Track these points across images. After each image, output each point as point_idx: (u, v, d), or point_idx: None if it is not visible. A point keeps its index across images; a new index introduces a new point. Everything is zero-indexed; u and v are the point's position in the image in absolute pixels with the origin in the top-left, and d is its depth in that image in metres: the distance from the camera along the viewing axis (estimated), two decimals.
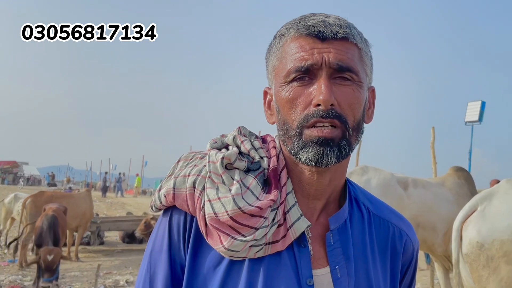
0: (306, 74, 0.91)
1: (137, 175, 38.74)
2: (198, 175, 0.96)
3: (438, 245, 5.25)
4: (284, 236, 0.94)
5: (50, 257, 6.05)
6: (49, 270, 6.09)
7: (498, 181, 10.08)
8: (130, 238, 11.65)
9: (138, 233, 10.38)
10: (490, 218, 3.42)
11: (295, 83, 0.92)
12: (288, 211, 0.95)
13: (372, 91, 1.01)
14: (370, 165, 5.51)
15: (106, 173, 33.91)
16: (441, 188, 5.36)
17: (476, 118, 16.05)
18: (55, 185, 27.15)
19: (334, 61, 0.90)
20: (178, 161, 1.03)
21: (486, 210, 3.46)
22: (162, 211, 1.03)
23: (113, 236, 12.68)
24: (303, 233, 0.96)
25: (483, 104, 16.14)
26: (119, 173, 33.60)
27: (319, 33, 0.90)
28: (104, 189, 30.77)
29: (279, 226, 0.94)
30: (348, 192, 1.05)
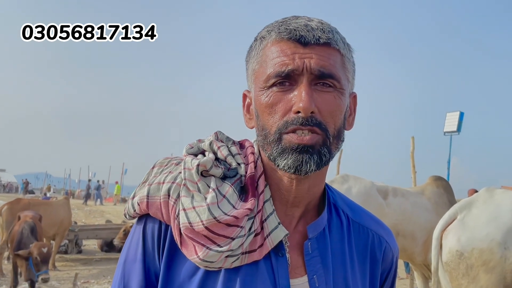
0: (286, 79, 0.88)
1: (117, 182, 38.28)
2: (173, 183, 0.93)
3: (417, 254, 5.27)
4: (261, 245, 0.91)
5: (45, 250, 6.13)
6: (46, 262, 6.17)
7: (475, 191, 10.23)
8: (108, 246, 11.46)
9: (117, 242, 10.21)
10: (470, 227, 3.44)
11: (275, 88, 0.89)
12: (265, 220, 0.92)
13: (353, 97, 0.99)
14: (351, 174, 5.52)
15: (89, 180, 33.46)
16: (420, 197, 5.39)
17: (454, 128, 16.32)
18: (32, 192, 26.68)
19: (315, 67, 0.87)
20: (153, 167, 1.00)
21: (466, 219, 3.49)
22: (136, 219, 0.99)
23: (91, 244, 12.48)
24: (280, 241, 0.92)
25: (461, 115, 16.43)
26: (98, 181, 33.17)
27: (301, 37, 0.88)
28: (87, 197, 30.35)
29: (256, 235, 0.91)
30: (327, 199, 1.02)
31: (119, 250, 11.33)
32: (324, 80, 0.88)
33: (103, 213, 22.88)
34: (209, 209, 0.87)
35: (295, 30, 0.88)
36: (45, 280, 6.16)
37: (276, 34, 0.90)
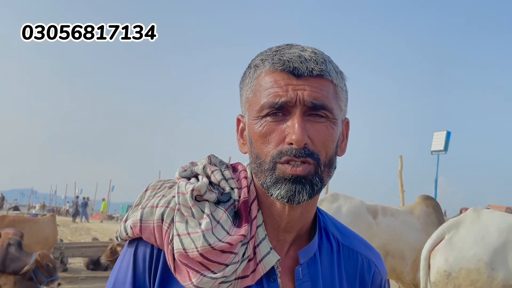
0: (279, 110, 0.89)
1: (103, 200, 37.94)
2: (167, 207, 0.93)
3: (406, 273, 5.27)
4: (254, 270, 0.91)
5: (52, 256, 6.21)
6: (55, 269, 6.39)
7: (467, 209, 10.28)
8: (95, 264, 11.29)
9: (103, 260, 10.05)
10: (457, 247, 3.46)
11: (268, 118, 0.90)
12: (258, 245, 0.92)
13: (346, 123, 1.00)
14: (340, 193, 5.53)
15: (77, 197, 33.09)
16: (409, 217, 5.42)
17: (441, 147, 16.47)
18: (18, 209, 26.29)
19: (308, 99, 0.88)
20: (146, 190, 1.00)
21: (453, 239, 3.51)
22: (127, 241, 0.99)
23: (77, 262, 12.29)
24: (272, 267, 0.93)
25: (448, 134, 16.61)
26: (84, 198, 32.82)
27: (294, 69, 0.89)
28: (75, 214, 30.00)
29: (249, 260, 0.91)
30: (318, 223, 1.03)
31: (106, 269, 11.17)
32: (316, 111, 0.89)
33: (90, 230, 22.61)
34: (203, 236, 0.87)
35: (288, 61, 0.89)
36: (60, 284, 6.30)
37: (270, 65, 0.91)
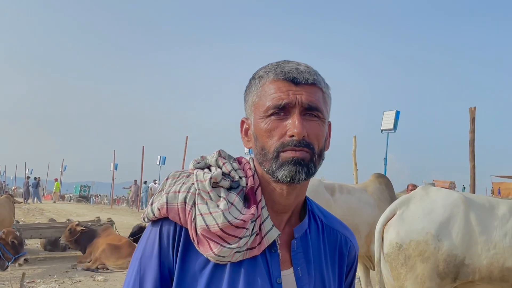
0: (282, 110, 1.12)
1: (56, 180, 37.11)
2: (188, 192, 1.13)
3: (360, 246, 5.67)
4: (260, 243, 1.14)
5: (18, 233, 6.14)
6: (21, 245, 6.46)
7: (414, 185, 10.89)
8: (52, 245, 11.24)
9: (63, 240, 10.03)
10: (408, 222, 3.82)
11: (272, 117, 1.12)
12: (262, 223, 1.15)
13: (329, 125, 1.23)
14: None
15: (28, 177, 32.19)
16: (364, 193, 5.80)
17: (391, 126, 17.07)
18: None
19: (305, 102, 1.12)
20: (167, 179, 1.21)
21: (404, 214, 3.86)
22: (150, 222, 1.19)
23: (33, 243, 12.17)
24: (274, 240, 1.16)
25: (397, 113, 17.22)
26: (35, 178, 32.04)
27: (293, 78, 1.12)
28: (27, 194, 29.27)
29: (256, 235, 1.14)
30: (307, 206, 1.27)
31: (64, 249, 11.14)
32: (311, 111, 1.13)
33: (43, 211, 22.20)
34: (223, 214, 1.09)
35: (288, 72, 1.13)
36: (27, 260, 6.27)
37: (273, 75, 1.14)
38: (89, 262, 9.24)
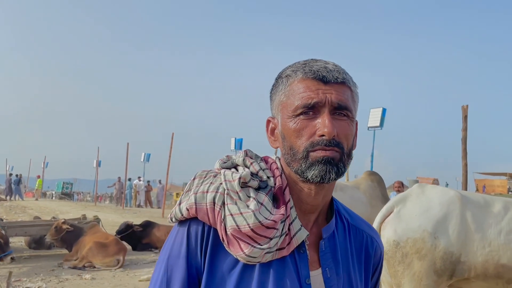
0: (311, 110, 1.09)
1: (38, 177, 36.64)
2: (217, 192, 1.11)
3: None
4: (289, 243, 1.12)
5: (3, 231, 6.03)
6: (8, 243, 6.40)
7: (401, 182, 10.96)
8: (37, 243, 11.08)
9: (49, 238, 9.88)
10: (405, 219, 3.82)
11: (301, 116, 1.10)
12: (291, 223, 1.12)
13: (356, 123, 1.21)
14: None
15: (10, 174, 31.69)
16: (356, 191, 5.82)
17: (377, 123, 17.20)
18: None
19: (335, 101, 1.09)
20: (194, 179, 1.18)
21: (401, 212, 3.87)
22: (177, 222, 1.16)
23: (17, 241, 11.98)
24: (302, 241, 1.14)
25: (384, 111, 17.36)
26: (17, 175, 31.58)
27: (323, 77, 1.10)
28: (9, 192, 28.85)
29: (285, 235, 1.11)
30: (334, 206, 1.25)
31: (49, 247, 10.99)
32: (340, 111, 1.11)
33: (25, 208, 21.88)
34: (254, 215, 1.06)
35: (317, 71, 1.10)
36: (13, 259, 6.16)
37: (302, 74, 1.12)
38: (75, 260, 9.12)
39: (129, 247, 10.56)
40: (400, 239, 3.77)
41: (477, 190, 27.65)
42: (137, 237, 11.15)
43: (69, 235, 9.69)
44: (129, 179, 28.45)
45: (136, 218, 15.51)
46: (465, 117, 8.09)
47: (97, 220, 11.20)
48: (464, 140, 8.14)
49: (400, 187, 10.64)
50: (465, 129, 8.11)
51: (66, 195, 38.95)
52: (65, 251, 10.14)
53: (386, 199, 6.05)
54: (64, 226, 9.75)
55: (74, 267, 8.86)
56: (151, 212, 21.65)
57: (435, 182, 24.65)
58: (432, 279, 3.68)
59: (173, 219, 1.16)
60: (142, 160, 33.41)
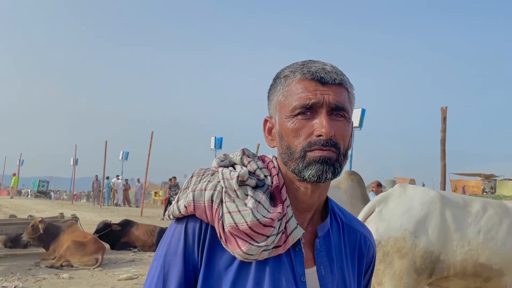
0: (309, 110, 1.11)
1: (14, 174, 35.96)
2: (215, 190, 1.12)
3: None
4: (285, 241, 1.13)
5: None
6: None
7: (379, 182, 11.10)
8: (13, 242, 10.88)
9: (25, 237, 9.71)
10: (386, 219, 3.88)
11: (299, 117, 1.11)
12: (287, 221, 1.14)
13: (352, 124, 1.23)
14: None
15: None
16: (337, 191, 5.88)
17: (357, 124, 17.36)
18: None
19: (333, 102, 1.11)
20: (192, 177, 1.18)
21: (383, 211, 3.92)
22: (174, 219, 1.17)
23: None
24: (298, 239, 1.15)
25: (363, 111, 17.52)
26: None
27: (321, 78, 1.11)
28: None
29: (282, 233, 1.12)
30: (329, 205, 1.26)
31: (25, 246, 10.81)
32: (338, 111, 1.13)
33: (0, 207, 21.48)
34: (252, 213, 1.08)
35: (316, 72, 1.12)
36: None
37: (300, 75, 1.13)
38: (53, 259, 8.98)
39: (107, 246, 10.45)
40: (381, 238, 3.82)
41: (454, 190, 28.16)
42: (116, 236, 11.04)
43: (47, 234, 9.53)
44: (107, 178, 28.15)
45: (114, 217, 15.37)
46: (444, 119, 8.24)
47: (75, 218, 11.05)
48: (443, 141, 8.29)
49: (376, 187, 10.78)
50: (444, 131, 8.27)
51: (42, 193, 38.36)
52: (42, 250, 9.98)
53: (366, 199, 6.12)
54: (41, 225, 9.60)
55: (52, 266, 8.72)
56: (129, 211, 21.48)
57: (412, 182, 25.00)
58: (412, 278, 3.74)
59: (171, 216, 1.16)
60: (120, 158, 33.10)
